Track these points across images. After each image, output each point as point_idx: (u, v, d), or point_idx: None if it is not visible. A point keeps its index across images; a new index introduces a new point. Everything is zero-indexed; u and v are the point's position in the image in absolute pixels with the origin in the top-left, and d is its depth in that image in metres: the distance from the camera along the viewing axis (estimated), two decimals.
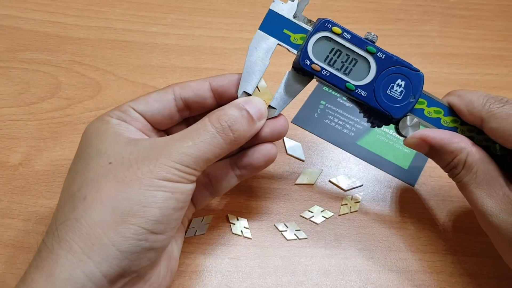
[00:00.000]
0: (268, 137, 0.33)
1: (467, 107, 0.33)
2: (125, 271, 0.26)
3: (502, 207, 0.30)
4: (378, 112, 0.33)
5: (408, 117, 0.33)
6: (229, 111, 0.30)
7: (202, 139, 0.28)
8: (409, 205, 0.41)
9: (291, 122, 0.45)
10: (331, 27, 0.32)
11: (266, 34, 0.33)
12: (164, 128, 0.34)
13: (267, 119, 0.33)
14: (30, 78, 0.47)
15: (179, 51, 0.49)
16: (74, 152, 0.42)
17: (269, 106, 0.33)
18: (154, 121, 0.32)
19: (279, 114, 0.33)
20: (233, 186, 0.34)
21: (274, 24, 0.33)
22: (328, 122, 0.45)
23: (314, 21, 0.33)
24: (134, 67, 0.48)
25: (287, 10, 0.33)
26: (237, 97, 0.33)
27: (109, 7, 0.52)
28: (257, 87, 0.33)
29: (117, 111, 0.31)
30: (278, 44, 0.33)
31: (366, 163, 0.43)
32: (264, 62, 0.33)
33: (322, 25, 0.32)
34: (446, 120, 0.34)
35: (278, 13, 0.33)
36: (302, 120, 0.45)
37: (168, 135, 0.34)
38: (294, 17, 0.33)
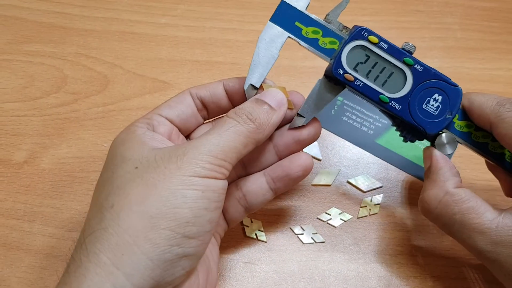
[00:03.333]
0: (306, 140, 0.33)
1: (477, 110, 0.31)
2: (158, 283, 0.24)
3: (498, 240, 0.28)
4: (412, 127, 0.32)
5: (443, 134, 0.32)
6: (245, 104, 0.30)
7: (226, 129, 0.28)
8: None
9: None
10: (368, 35, 0.30)
11: (277, 26, 0.32)
12: (190, 130, 0.33)
13: (295, 128, 0.32)
14: (34, 71, 0.45)
15: (190, 43, 0.48)
16: (81, 149, 0.41)
17: (298, 114, 0.32)
18: (180, 123, 0.32)
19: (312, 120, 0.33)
20: (268, 200, 0.33)
21: (285, 16, 0.32)
22: (346, 119, 0.43)
23: (350, 28, 0.32)
24: (143, 60, 0.46)
25: (300, 2, 0.32)
26: (244, 90, 0.32)
27: None
28: (262, 85, 0.32)
29: (143, 118, 0.31)
30: (289, 37, 0.32)
31: (386, 163, 0.41)
32: (273, 55, 0.32)
33: (358, 33, 0.30)
34: (460, 124, 0.32)
35: (291, 5, 0.32)
36: (318, 117, 0.43)
37: None
38: (306, 9, 0.32)
